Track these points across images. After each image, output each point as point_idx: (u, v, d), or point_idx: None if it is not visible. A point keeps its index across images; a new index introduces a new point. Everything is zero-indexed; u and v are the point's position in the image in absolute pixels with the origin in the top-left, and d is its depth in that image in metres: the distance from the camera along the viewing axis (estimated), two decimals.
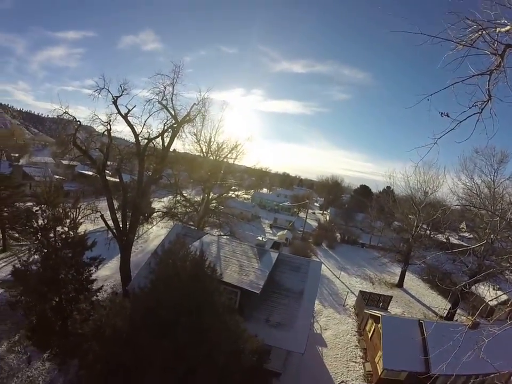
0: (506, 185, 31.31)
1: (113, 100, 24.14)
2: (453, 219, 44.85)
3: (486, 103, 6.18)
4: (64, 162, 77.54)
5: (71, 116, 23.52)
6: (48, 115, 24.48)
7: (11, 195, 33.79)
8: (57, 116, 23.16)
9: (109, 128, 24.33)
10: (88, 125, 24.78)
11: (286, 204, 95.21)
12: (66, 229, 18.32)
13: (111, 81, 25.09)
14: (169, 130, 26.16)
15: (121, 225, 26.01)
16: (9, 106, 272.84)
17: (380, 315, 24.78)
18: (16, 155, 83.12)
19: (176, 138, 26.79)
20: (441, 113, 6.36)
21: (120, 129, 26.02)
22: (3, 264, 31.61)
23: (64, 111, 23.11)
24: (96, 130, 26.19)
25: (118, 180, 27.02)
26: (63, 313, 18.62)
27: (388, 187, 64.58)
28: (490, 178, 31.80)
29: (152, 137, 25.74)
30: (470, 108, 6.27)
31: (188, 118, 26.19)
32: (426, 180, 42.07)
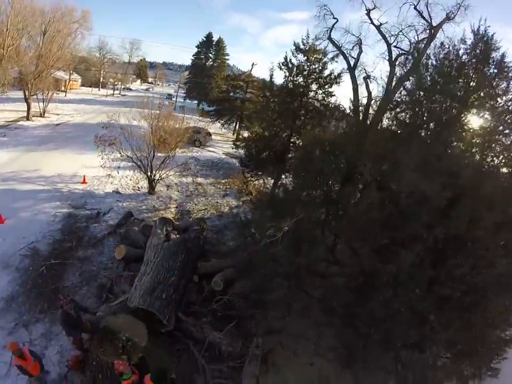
0: None
1: (366, 12, 21.47)
2: None
3: None
4: None
5: (328, 11, 21.25)
6: None
7: None
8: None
9: (359, 42, 21.59)
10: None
11: None
12: None
13: None
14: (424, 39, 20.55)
15: None
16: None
17: None
18: None
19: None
20: None
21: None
22: None
23: (323, 5, 20.98)
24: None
25: None
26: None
27: None
28: None
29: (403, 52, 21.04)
30: None
31: (446, 16, 19.18)
32: None
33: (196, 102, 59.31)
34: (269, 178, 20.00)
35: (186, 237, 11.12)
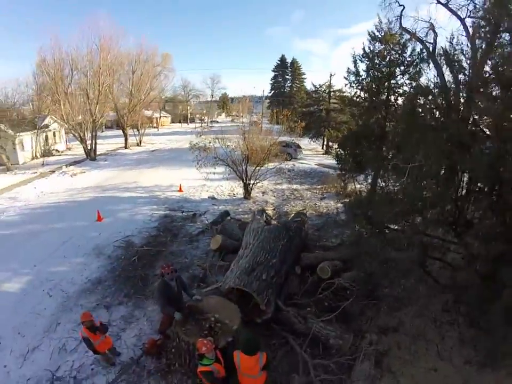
0: None
1: None
2: None
3: None
4: None
5: None
6: None
7: None
8: None
9: (432, 27, 19.18)
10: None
11: None
12: None
13: None
14: None
15: None
16: None
17: None
18: None
19: None
20: None
21: None
22: None
23: None
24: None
25: None
26: None
27: None
28: None
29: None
30: None
31: None
32: None
33: (280, 125, 60.27)
34: (367, 176, 18.09)
35: (288, 224, 9.65)
